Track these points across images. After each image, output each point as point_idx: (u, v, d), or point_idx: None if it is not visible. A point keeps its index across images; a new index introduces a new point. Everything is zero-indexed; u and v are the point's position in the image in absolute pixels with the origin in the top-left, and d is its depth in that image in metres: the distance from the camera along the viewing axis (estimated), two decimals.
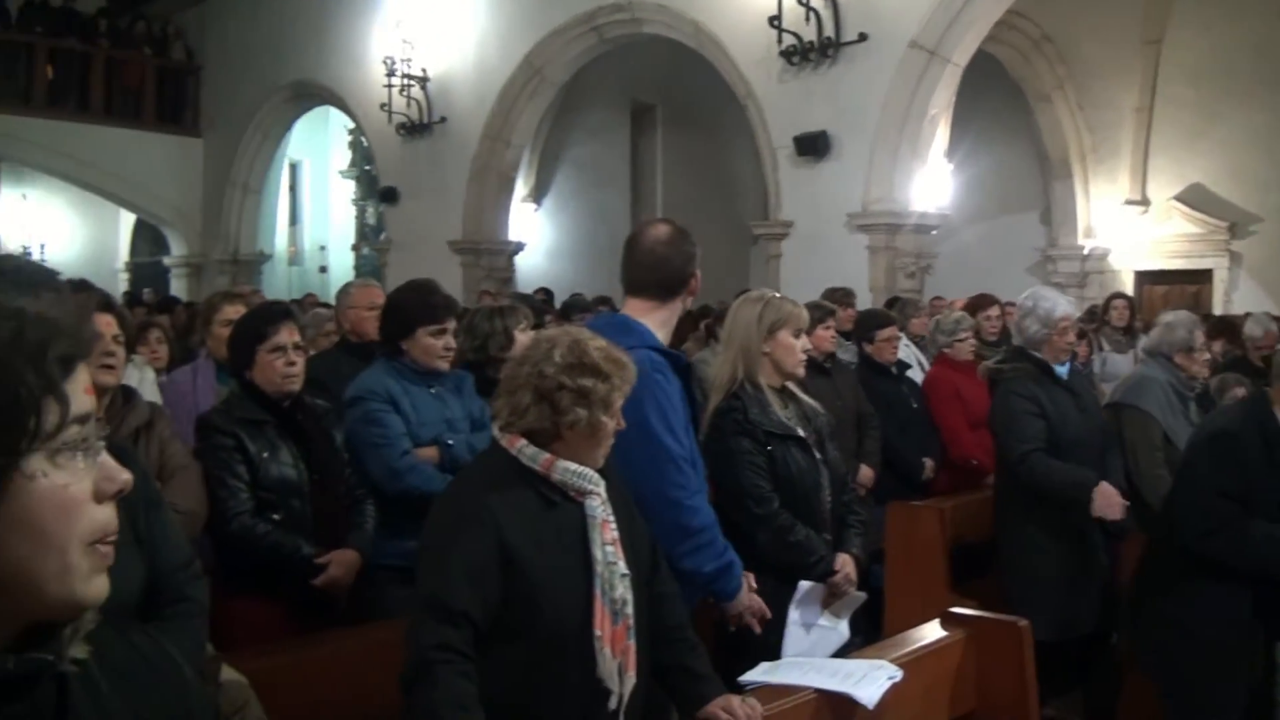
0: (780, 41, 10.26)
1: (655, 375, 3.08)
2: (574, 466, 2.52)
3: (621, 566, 2.51)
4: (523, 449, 2.53)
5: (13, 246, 17.96)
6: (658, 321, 3.29)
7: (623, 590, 2.50)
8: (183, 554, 2.75)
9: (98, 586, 1.01)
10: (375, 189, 16.24)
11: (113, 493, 1.02)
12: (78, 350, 1.00)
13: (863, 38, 9.89)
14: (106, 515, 1.01)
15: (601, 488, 2.55)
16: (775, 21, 10.15)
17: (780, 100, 10.53)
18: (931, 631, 3.19)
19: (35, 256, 17.51)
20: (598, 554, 2.49)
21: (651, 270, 3.31)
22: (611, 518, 2.55)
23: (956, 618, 3.24)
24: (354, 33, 14.91)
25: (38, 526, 0.95)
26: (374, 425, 3.91)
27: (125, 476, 1.03)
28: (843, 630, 3.66)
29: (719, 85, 11.78)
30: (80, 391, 0.99)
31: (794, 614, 3.51)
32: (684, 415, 3.20)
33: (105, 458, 1.02)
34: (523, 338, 4.59)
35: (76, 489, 0.98)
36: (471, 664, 2.34)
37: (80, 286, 4.12)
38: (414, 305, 4.10)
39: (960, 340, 6.28)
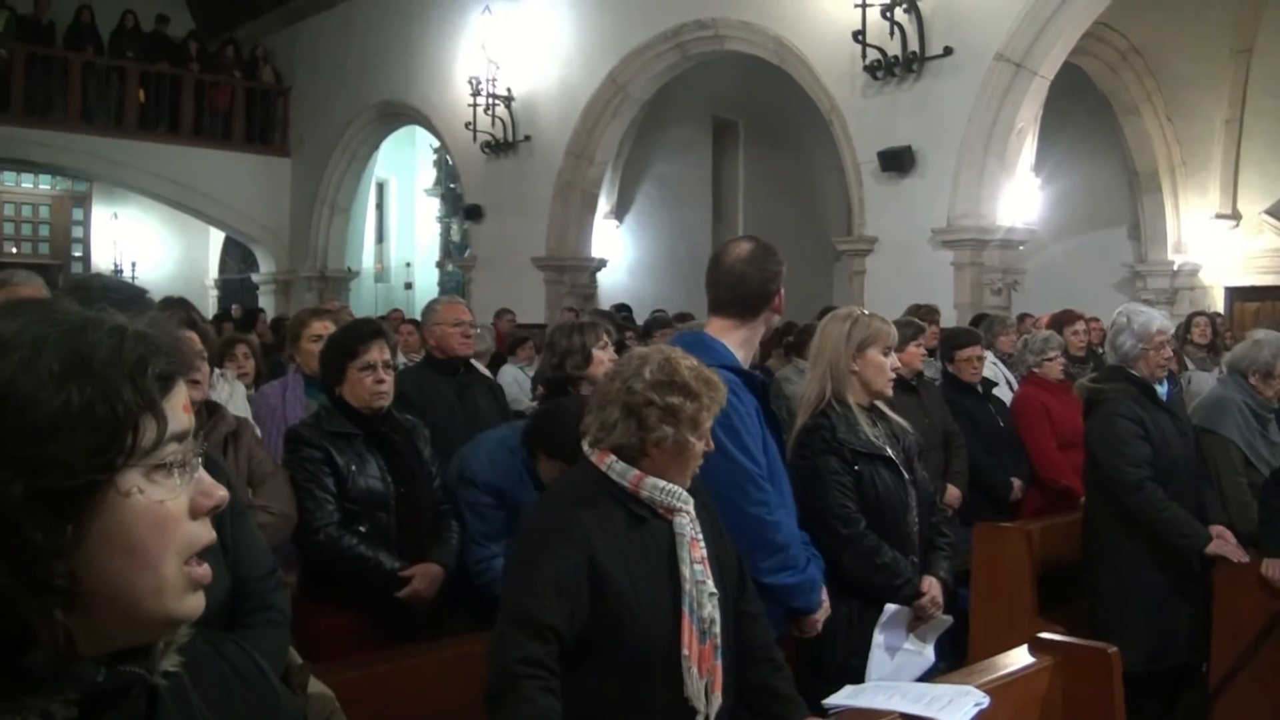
0: (864, 56, 10.17)
1: (729, 395, 3.08)
2: (663, 484, 2.51)
3: (710, 585, 2.50)
4: (612, 465, 2.53)
5: (104, 264, 18.49)
6: (738, 340, 3.27)
7: (711, 609, 2.49)
8: (266, 562, 2.79)
9: (193, 603, 1.01)
10: (460, 206, 16.41)
11: (209, 508, 1.02)
12: (176, 368, 1.01)
13: (948, 51, 9.77)
14: (201, 531, 1.02)
15: (690, 505, 2.55)
16: (859, 36, 10.06)
17: (864, 115, 10.45)
18: (1019, 657, 3.11)
19: (126, 274, 18.02)
20: (686, 572, 2.48)
21: (731, 288, 3.29)
22: (700, 536, 2.54)
23: (1044, 643, 3.16)
24: (440, 54, 15.11)
25: (133, 542, 0.95)
26: (477, 518, 3.87)
27: (221, 493, 1.03)
28: (928, 655, 3.60)
29: (802, 101, 11.73)
30: (179, 409, 1.00)
31: (879, 637, 3.46)
32: (759, 433, 3.18)
33: (202, 474, 1.03)
34: (601, 355, 4.58)
35: (173, 505, 0.98)
36: (557, 680, 2.33)
37: (180, 304, 4.21)
38: (572, 441, 3.93)
39: (1049, 360, 6.18)
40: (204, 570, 1.02)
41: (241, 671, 1.21)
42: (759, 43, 11.41)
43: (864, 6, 9.95)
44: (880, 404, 3.73)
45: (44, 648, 0.91)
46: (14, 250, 18.22)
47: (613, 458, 2.53)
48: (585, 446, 2.62)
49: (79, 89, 16.57)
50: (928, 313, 7.40)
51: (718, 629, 2.50)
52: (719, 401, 2.58)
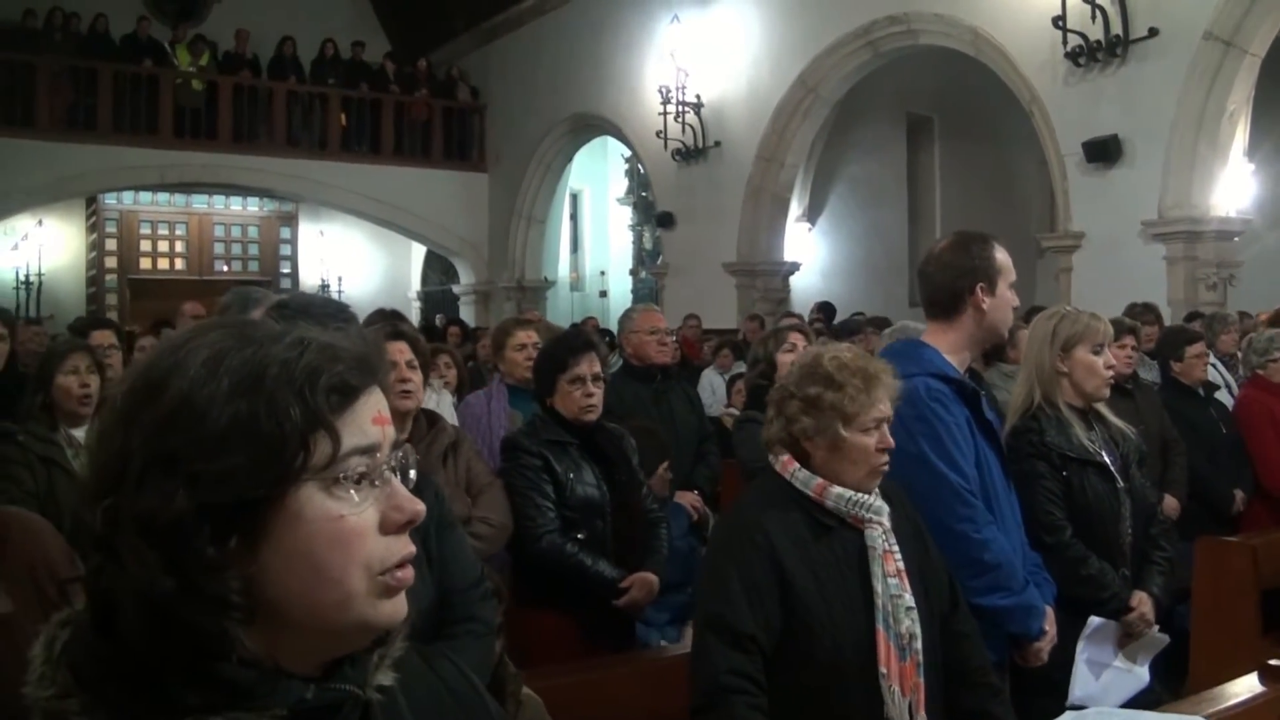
0: (1065, 42, 9.77)
1: (932, 404, 2.92)
2: (848, 493, 2.46)
3: (907, 599, 2.42)
4: (795, 473, 2.51)
5: (312, 281, 19.35)
6: (950, 344, 3.08)
7: (910, 624, 2.41)
8: (472, 573, 2.84)
9: (389, 609, 0.99)
10: (652, 214, 16.57)
11: (401, 523, 0.99)
12: (360, 379, 0.99)
13: (1153, 33, 9.28)
14: (393, 545, 0.99)
15: (884, 516, 2.47)
16: (1059, 22, 9.68)
17: (1067, 104, 10.04)
18: (1246, 686, 2.88)
19: (333, 289, 18.81)
20: (878, 587, 2.41)
21: (924, 289, 3.16)
22: (895, 548, 2.46)
23: (1275, 671, 2.93)
24: (630, 65, 15.29)
25: (311, 558, 0.94)
26: None
27: (417, 508, 1.00)
28: (1139, 674, 3.39)
29: (1000, 93, 11.38)
30: (365, 421, 0.98)
31: (1082, 651, 3.26)
32: (969, 446, 2.99)
33: (396, 486, 1.00)
34: (784, 359, 4.58)
35: (355, 520, 0.96)
36: (764, 698, 2.30)
37: (392, 315, 4.36)
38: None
39: (1274, 360, 5.81)
40: (405, 574, 0.99)
41: (454, 687, 1.21)
42: (954, 35, 11.12)
43: None
44: (1100, 406, 3.52)
45: (240, 661, 0.92)
46: (225, 269, 19.14)
47: (796, 465, 2.51)
48: (770, 455, 2.59)
49: (284, 116, 17.48)
50: (1144, 311, 7.04)
51: (919, 644, 2.42)
52: (874, 391, 2.48)
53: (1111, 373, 3.54)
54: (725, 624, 2.35)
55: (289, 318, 1.10)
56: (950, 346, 3.09)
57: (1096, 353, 3.46)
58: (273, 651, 0.95)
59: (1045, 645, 3.00)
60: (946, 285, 3.09)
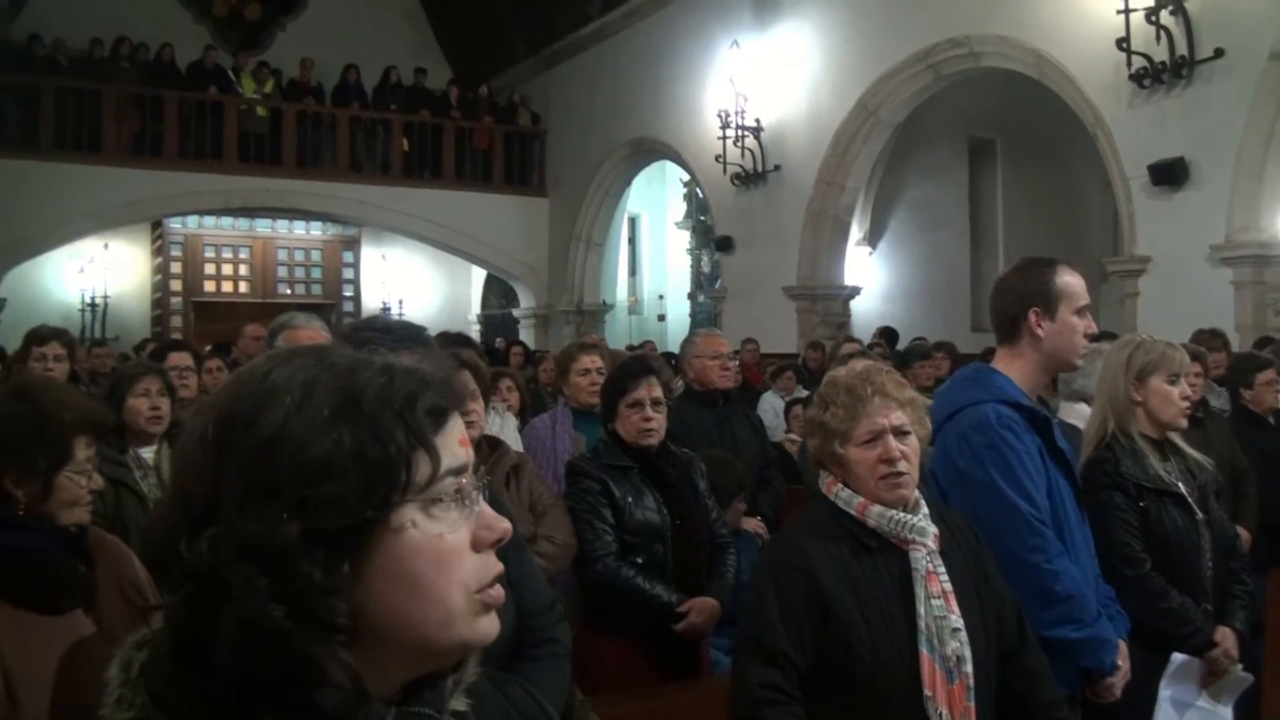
0: (1129, 64, 9.66)
1: (1003, 432, 2.87)
2: (890, 513, 2.45)
3: (954, 620, 2.38)
4: (839, 493, 2.51)
5: (374, 304, 19.56)
6: (1019, 371, 3.04)
7: (956, 646, 2.37)
8: (547, 596, 2.87)
9: (485, 626, 1.00)
10: (710, 238, 16.59)
11: (492, 541, 1.01)
12: (449, 403, 1.01)
13: (1219, 53, 9.13)
14: (487, 563, 1.01)
15: (929, 537, 2.45)
16: (1123, 43, 9.57)
17: (1132, 127, 9.91)
18: None
19: (394, 312, 19.01)
20: (921, 609, 2.38)
21: (991, 313, 3.15)
22: (940, 570, 2.43)
23: None
24: (689, 89, 15.34)
25: (414, 577, 0.95)
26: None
27: (505, 525, 1.03)
28: (1223, 715, 3.30)
29: (1063, 115, 11.26)
30: (454, 443, 1.00)
31: (1165, 690, 3.18)
32: (1041, 474, 2.93)
33: (483, 506, 1.02)
34: None
35: (452, 539, 0.98)
36: (800, 706, 2.31)
37: (458, 339, 4.38)
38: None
39: None
40: (497, 592, 1.01)
41: (526, 713, 1.22)
42: (1016, 57, 11.03)
43: (1127, 12, 9.45)
44: (1175, 437, 3.46)
45: (334, 686, 0.92)
46: (288, 292, 19.30)
47: (839, 485, 2.52)
48: (819, 479, 2.61)
49: (347, 142, 17.76)
50: (1211, 338, 6.92)
51: (969, 668, 2.37)
52: (866, 404, 2.49)
53: (1188, 403, 3.48)
54: (759, 643, 2.37)
55: (361, 343, 1.12)
56: (1021, 374, 3.04)
57: (1173, 382, 3.41)
58: (359, 675, 0.95)
59: (1118, 680, 2.93)
60: (1004, 310, 3.08)
